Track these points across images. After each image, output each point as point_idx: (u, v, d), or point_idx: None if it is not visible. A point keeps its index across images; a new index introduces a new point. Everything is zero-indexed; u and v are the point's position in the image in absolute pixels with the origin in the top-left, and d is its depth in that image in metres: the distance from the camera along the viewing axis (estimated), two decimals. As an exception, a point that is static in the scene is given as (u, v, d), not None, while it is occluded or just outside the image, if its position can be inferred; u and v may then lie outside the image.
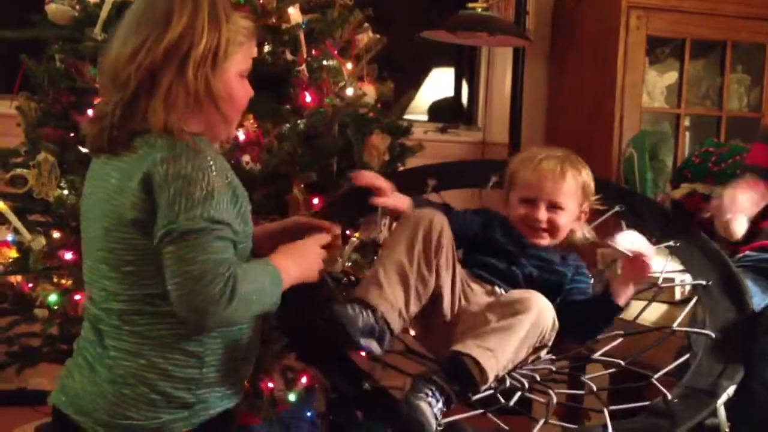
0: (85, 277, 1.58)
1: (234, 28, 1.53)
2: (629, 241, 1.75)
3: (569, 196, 1.92)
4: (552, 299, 1.75)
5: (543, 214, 1.91)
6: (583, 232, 1.98)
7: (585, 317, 1.81)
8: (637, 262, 1.74)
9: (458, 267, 1.81)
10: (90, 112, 2.40)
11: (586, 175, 1.96)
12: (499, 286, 1.85)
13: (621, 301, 1.77)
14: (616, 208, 2.09)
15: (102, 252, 1.50)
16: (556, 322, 1.73)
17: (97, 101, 1.80)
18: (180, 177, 1.40)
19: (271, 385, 2.38)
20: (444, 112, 3.94)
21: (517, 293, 1.75)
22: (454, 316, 1.78)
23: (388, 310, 1.66)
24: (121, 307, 1.49)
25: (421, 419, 1.50)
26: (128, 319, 1.49)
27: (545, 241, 1.92)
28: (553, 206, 1.91)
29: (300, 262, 1.58)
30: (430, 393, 1.53)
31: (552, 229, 1.92)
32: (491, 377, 1.60)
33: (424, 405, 1.51)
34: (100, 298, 1.52)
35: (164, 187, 1.41)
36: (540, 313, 1.67)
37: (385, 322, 1.65)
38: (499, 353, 1.60)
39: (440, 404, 1.54)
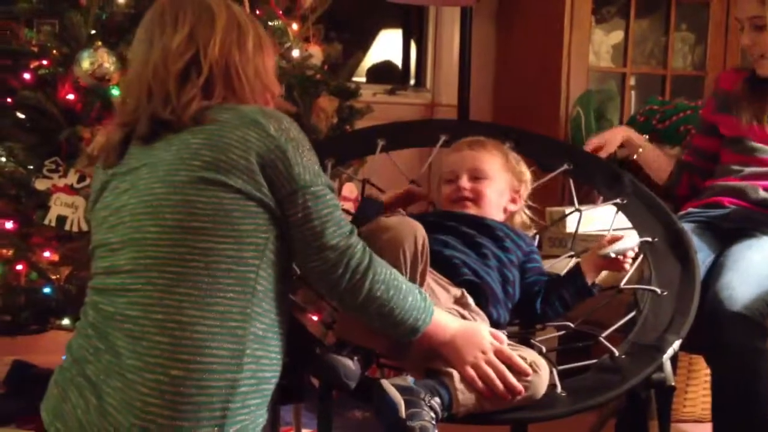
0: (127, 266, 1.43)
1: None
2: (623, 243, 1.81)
3: (492, 165, 1.87)
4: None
5: (465, 182, 1.86)
6: (523, 217, 1.95)
7: (560, 294, 1.81)
8: (617, 262, 1.80)
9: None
10: (27, 75, 2.34)
11: (513, 158, 1.93)
12: (468, 283, 1.71)
13: (589, 281, 1.80)
14: (564, 167, 2.09)
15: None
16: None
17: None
18: (291, 138, 1.45)
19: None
20: (382, 75, 3.91)
21: (523, 352, 1.62)
22: None
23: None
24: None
25: None
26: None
27: (471, 210, 1.85)
28: (476, 176, 1.86)
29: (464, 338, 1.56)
30: (426, 415, 1.44)
31: (477, 197, 1.85)
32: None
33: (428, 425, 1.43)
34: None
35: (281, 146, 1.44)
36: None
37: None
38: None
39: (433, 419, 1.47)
